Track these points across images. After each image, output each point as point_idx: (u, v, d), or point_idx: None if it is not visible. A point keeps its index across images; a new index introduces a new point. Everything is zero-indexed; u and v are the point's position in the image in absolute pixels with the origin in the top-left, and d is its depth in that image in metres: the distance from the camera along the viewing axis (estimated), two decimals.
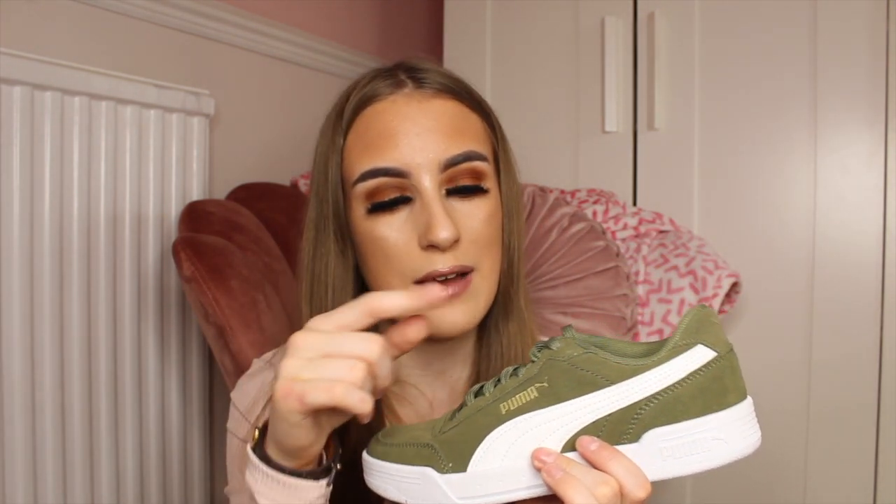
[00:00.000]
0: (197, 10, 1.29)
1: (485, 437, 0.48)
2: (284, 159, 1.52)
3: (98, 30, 1.14)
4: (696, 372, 0.46)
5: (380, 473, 0.52)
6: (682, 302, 1.15)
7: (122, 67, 1.16)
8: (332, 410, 0.47)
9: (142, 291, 1.19)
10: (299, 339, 0.47)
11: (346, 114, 0.63)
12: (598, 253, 1.13)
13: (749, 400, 0.48)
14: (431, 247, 0.59)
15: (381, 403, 0.65)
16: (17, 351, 1.01)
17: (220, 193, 1.35)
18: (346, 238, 0.64)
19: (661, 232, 1.27)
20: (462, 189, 0.61)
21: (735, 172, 1.28)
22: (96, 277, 1.12)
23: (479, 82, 1.54)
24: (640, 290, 1.19)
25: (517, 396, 0.48)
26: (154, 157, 1.19)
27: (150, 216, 1.20)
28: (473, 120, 0.64)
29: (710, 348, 0.47)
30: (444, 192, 0.60)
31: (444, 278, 0.60)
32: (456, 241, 0.59)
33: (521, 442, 0.47)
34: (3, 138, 0.98)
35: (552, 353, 0.49)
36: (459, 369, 0.69)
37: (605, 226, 1.27)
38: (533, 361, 0.50)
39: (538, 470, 0.46)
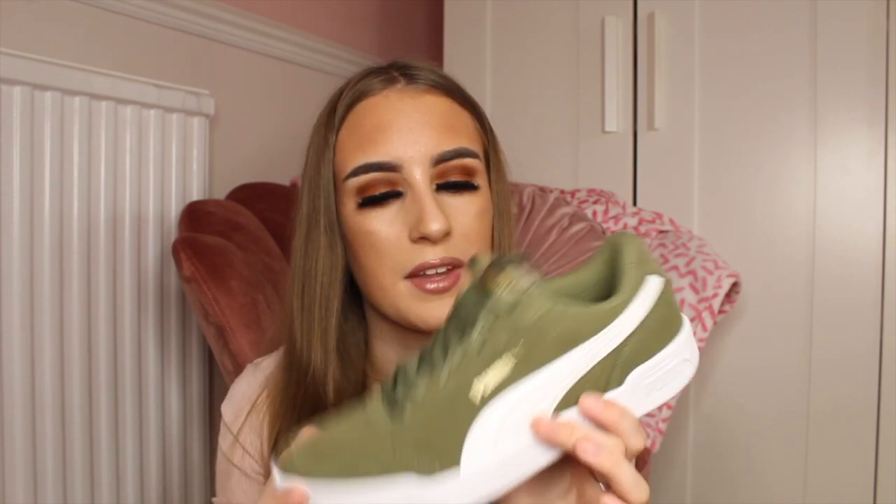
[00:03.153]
0: (197, 10, 1.29)
1: (469, 427, 0.42)
2: (284, 159, 1.52)
3: (98, 30, 1.14)
4: (656, 303, 0.46)
5: (332, 495, 0.42)
6: (682, 302, 1.15)
7: (122, 67, 1.16)
8: None
9: (142, 291, 1.19)
10: None
11: (339, 110, 0.63)
12: None
13: (685, 316, 0.49)
14: (422, 239, 0.59)
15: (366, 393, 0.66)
16: (17, 351, 1.01)
17: (220, 193, 1.35)
18: (336, 233, 0.64)
19: (661, 232, 1.27)
20: (452, 185, 0.61)
21: (735, 172, 1.28)
22: (96, 277, 1.12)
23: (479, 82, 1.54)
24: None
25: (491, 371, 0.43)
26: (154, 157, 1.19)
27: (150, 216, 1.20)
28: (465, 117, 0.64)
29: (658, 276, 0.46)
30: (434, 186, 0.60)
31: (434, 271, 0.60)
32: (447, 234, 0.59)
33: (512, 420, 0.42)
34: (3, 138, 0.98)
35: (514, 316, 0.43)
36: None
37: (605, 226, 1.27)
38: (485, 323, 0.43)
39: (549, 441, 0.43)
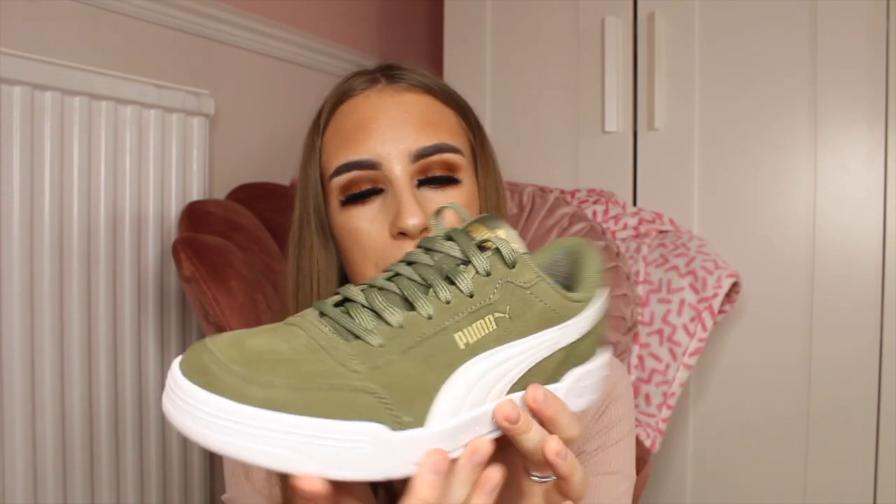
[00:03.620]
0: (197, 10, 1.29)
1: (445, 379, 0.37)
2: (284, 159, 1.52)
3: (98, 30, 1.14)
4: (602, 311, 0.46)
5: (273, 434, 0.33)
6: (682, 302, 1.15)
7: (122, 67, 1.16)
8: None
9: (142, 291, 1.19)
10: None
11: (324, 113, 0.65)
12: None
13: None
14: (402, 235, 0.59)
15: None
16: (17, 351, 1.01)
17: (220, 193, 1.35)
18: (328, 233, 0.65)
19: (661, 232, 1.27)
20: (434, 179, 0.61)
21: (735, 172, 1.28)
22: (96, 277, 1.12)
23: (480, 83, 1.54)
24: (640, 289, 1.19)
25: (474, 327, 0.39)
26: (154, 157, 1.19)
27: (150, 216, 1.20)
28: (447, 114, 0.65)
29: (605, 287, 0.47)
30: (415, 182, 0.61)
31: None
32: (426, 230, 0.59)
33: (481, 385, 0.39)
34: (3, 138, 0.98)
35: (510, 276, 0.40)
36: None
37: (605, 226, 1.27)
38: (479, 273, 0.40)
39: (503, 428, 0.40)
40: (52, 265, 1.05)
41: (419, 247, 0.42)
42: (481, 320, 0.39)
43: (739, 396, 1.29)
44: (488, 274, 0.40)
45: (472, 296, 0.39)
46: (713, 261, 1.17)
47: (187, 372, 0.34)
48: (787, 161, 1.25)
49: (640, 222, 1.28)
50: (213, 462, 1.35)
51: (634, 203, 1.37)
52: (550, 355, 0.42)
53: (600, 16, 1.37)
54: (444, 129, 0.63)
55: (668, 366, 1.13)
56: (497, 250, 0.40)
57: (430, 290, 0.39)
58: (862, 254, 1.19)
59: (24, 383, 1.02)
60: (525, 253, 0.42)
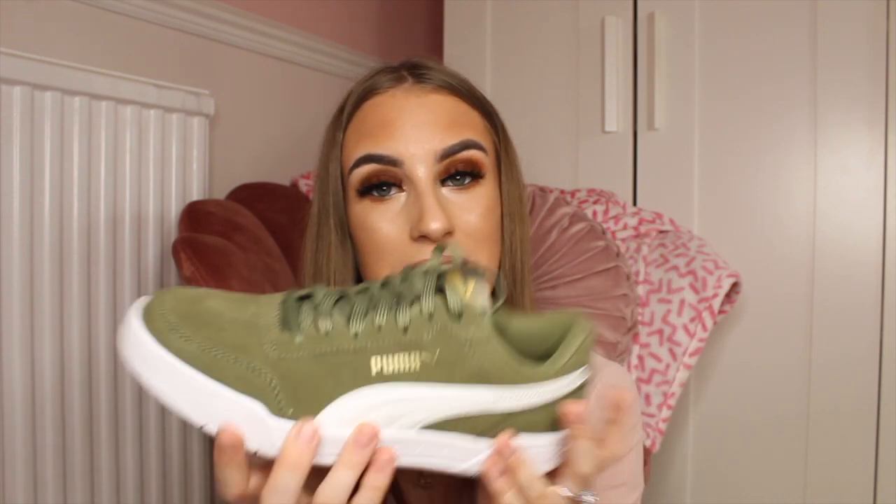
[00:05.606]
0: (197, 10, 1.29)
1: (343, 394, 0.40)
2: (284, 159, 1.52)
3: (98, 30, 1.14)
4: (570, 394, 0.44)
5: (171, 376, 0.39)
6: (682, 302, 1.15)
7: (122, 67, 1.16)
8: None
9: (142, 292, 1.19)
10: None
11: (347, 109, 0.64)
12: (598, 253, 1.13)
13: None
14: (423, 238, 0.58)
15: None
16: (17, 351, 1.01)
17: (220, 193, 1.35)
18: (346, 230, 0.64)
19: (661, 232, 1.27)
20: (457, 175, 0.60)
21: (735, 172, 1.28)
22: (96, 277, 1.12)
23: (479, 82, 1.53)
24: (640, 290, 1.19)
25: (395, 358, 0.41)
26: (154, 157, 1.19)
27: (150, 216, 1.20)
28: (473, 116, 0.64)
29: (586, 371, 0.45)
30: (438, 182, 0.60)
31: None
32: (448, 234, 0.58)
33: (384, 412, 0.41)
34: (3, 138, 0.98)
35: (450, 325, 0.41)
36: None
37: (605, 226, 1.27)
38: (421, 313, 0.41)
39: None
40: (52, 265, 1.05)
41: (402, 272, 0.44)
42: (405, 354, 0.41)
43: (739, 396, 1.29)
44: (431, 317, 0.41)
45: (405, 330, 0.41)
46: (713, 261, 1.17)
47: (143, 307, 0.41)
48: (787, 161, 1.25)
49: (640, 222, 1.28)
50: (213, 462, 1.35)
51: (634, 203, 1.37)
52: (478, 416, 0.42)
53: (600, 16, 1.37)
54: (469, 128, 0.62)
55: (668, 366, 1.13)
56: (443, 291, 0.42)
57: (371, 313, 0.41)
58: (862, 254, 1.19)
59: (24, 383, 1.02)
60: (483, 308, 0.42)
